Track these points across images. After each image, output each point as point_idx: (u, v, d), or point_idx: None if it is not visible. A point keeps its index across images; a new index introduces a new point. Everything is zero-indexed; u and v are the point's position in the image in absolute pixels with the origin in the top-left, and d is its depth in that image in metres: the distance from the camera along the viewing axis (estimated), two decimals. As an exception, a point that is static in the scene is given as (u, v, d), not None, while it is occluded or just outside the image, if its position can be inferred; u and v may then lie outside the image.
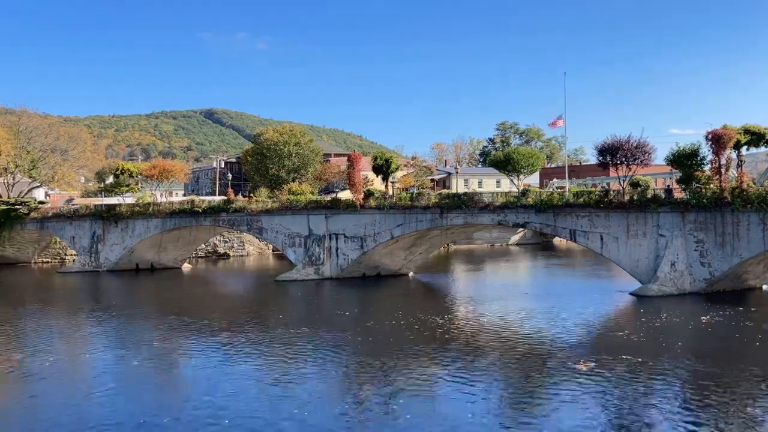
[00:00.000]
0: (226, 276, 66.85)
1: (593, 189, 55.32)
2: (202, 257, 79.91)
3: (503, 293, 48.23)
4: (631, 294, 41.71)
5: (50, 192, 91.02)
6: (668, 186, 50.80)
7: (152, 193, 72.72)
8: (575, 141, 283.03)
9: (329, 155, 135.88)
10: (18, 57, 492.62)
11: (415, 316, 36.89)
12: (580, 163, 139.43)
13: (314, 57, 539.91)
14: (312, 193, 73.39)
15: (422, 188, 79.11)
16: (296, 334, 32.03)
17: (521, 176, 63.62)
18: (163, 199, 73.45)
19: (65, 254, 75.12)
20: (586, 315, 36.98)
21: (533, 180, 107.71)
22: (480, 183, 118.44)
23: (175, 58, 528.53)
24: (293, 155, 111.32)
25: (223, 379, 23.84)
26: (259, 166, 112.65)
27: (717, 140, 40.09)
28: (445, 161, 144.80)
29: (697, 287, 40.46)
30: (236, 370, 25.23)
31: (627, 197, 43.16)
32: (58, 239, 72.32)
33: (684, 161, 44.65)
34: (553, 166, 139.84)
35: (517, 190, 53.26)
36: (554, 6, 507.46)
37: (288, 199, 59.34)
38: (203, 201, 64.18)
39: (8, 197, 73.56)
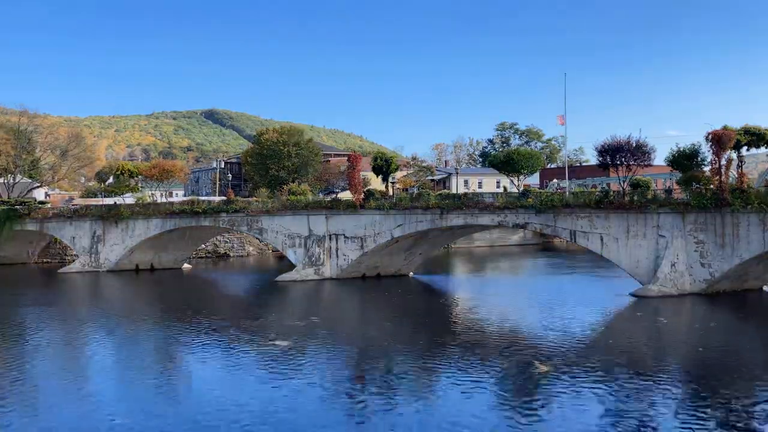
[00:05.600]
0: (227, 276, 66.85)
1: (593, 190, 55.36)
2: (202, 258, 79.86)
3: (503, 294, 48.25)
4: (631, 294, 41.70)
5: (50, 192, 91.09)
6: (668, 187, 50.82)
7: (152, 194, 72.75)
8: (575, 141, 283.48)
9: (329, 156, 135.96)
10: (18, 57, 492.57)
11: (415, 317, 36.93)
12: (580, 163, 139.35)
13: (314, 57, 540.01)
14: (312, 193, 73.40)
15: (422, 189, 79.10)
16: (297, 335, 32.02)
17: (521, 177, 63.73)
18: (164, 200, 73.43)
19: (65, 254, 75.06)
20: (585, 315, 36.98)
21: (533, 180, 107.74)
22: (480, 183, 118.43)
23: (175, 57, 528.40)
24: (293, 156, 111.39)
25: (223, 380, 23.85)
26: (260, 166, 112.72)
27: (717, 141, 40.07)
28: (445, 162, 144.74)
29: (697, 288, 40.46)
30: (236, 371, 25.23)
31: (627, 198, 43.17)
32: (59, 239, 72.29)
33: (684, 162, 44.72)
34: (553, 166, 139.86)
35: (517, 191, 53.29)
36: (554, 6, 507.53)
37: (288, 199, 59.34)
38: (203, 201, 64.17)
39: (8, 197, 73.56)
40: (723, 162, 40.48)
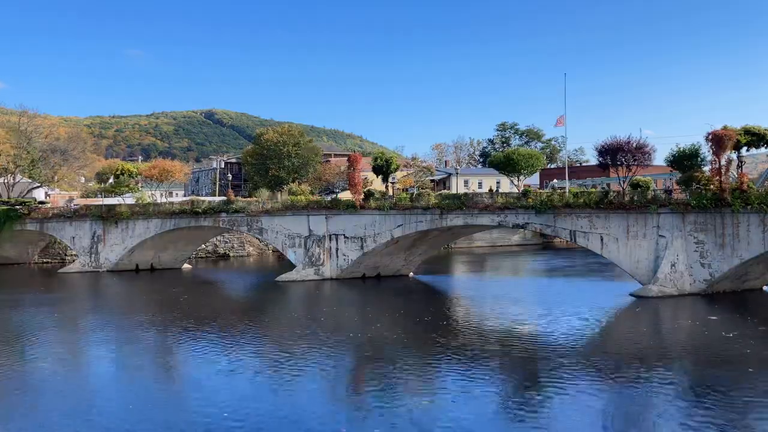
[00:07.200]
0: (227, 276, 66.87)
1: (593, 190, 55.35)
2: (202, 258, 79.92)
3: (503, 294, 48.22)
4: (631, 295, 41.70)
5: (50, 192, 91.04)
6: (668, 187, 50.82)
7: (152, 194, 72.74)
8: (575, 141, 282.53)
9: (329, 156, 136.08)
10: (18, 57, 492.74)
11: (415, 317, 36.91)
12: (580, 163, 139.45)
13: (314, 58, 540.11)
14: (312, 193, 73.39)
15: (422, 189, 79.09)
16: (296, 335, 32.03)
17: (521, 177, 63.72)
18: (164, 200, 73.47)
19: (65, 254, 75.12)
20: (585, 316, 36.95)
21: (533, 181, 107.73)
22: (480, 184, 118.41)
23: (175, 57, 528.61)
24: (293, 156, 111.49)
25: (223, 380, 23.85)
26: (260, 166, 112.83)
27: (717, 141, 40.07)
28: (445, 162, 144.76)
29: (697, 288, 40.47)
30: (236, 372, 25.22)
31: (627, 198, 43.18)
32: (59, 239, 72.33)
33: (684, 162, 44.72)
34: (553, 166, 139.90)
35: (517, 191, 53.28)
36: (554, 8, 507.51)
37: (288, 199, 59.34)
38: (203, 201, 64.18)
39: (8, 197, 73.58)
40: (723, 162, 40.50)
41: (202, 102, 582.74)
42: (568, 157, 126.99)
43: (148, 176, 79.28)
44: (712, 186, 40.60)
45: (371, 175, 67.06)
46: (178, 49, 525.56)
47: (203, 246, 78.39)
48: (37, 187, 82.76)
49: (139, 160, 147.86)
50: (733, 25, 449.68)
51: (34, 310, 42.37)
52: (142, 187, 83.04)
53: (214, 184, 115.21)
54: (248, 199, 69.34)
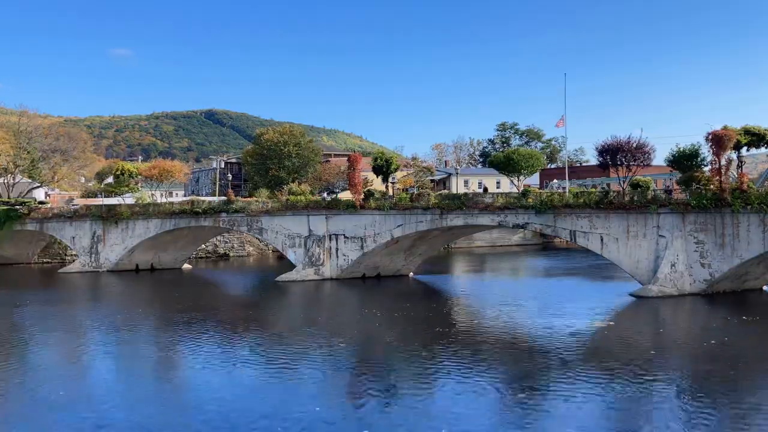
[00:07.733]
0: (227, 276, 66.85)
1: (593, 190, 55.31)
2: (202, 258, 79.88)
3: (503, 294, 48.21)
4: (631, 295, 41.69)
5: (50, 192, 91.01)
6: (668, 187, 50.82)
7: (152, 194, 72.72)
8: (575, 141, 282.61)
9: (329, 156, 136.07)
10: (18, 57, 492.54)
11: (415, 317, 36.90)
12: (580, 163, 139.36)
13: (314, 58, 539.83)
14: (312, 193, 73.31)
15: (422, 189, 78.99)
16: (296, 335, 32.04)
17: (521, 177, 63.68)
18: (164, 200, 73.45)
19: (65, 254, 75.08)
20: (585, 316, 36.92)
21: (533, 181, 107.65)
22: (480, 184, 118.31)
23: (175, 58, 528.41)
24: (293, 156, 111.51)
25: (223, 380, 23.84)
26: (260, 166, 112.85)
27: (717, 141, 40.06)
28: (445, 162, 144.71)
29: (697, 288, 40.46)
30: (236, 371, 25.22)
31: (627, 198, 43.16)
32: (59, 239, 72.29)
33: (684, 162, 44.72)
34: (553, 166, 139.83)
35: (517, 191, 53.28)
36: (554, 8, 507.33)
37: (288, 199, 59.31)
38: (203, 201, 64.16)
39: (8, 197, 73.55)
40: (723, 162, 40.47)
41: (202, 102, 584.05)
42: (568, 157, 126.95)
43: (148, 176, 79.19)
44: (712, 186, 40.59)
45: (371, 175, 67.03)
46: (173, 49, 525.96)
47: (203, 246, 78.37)
48: (37, 187, 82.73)
49: (139, 160, 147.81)
50: (733, 25, 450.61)
51: (34, 310, 42.35)
52: (142, 187, 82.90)
53: (214, 184, 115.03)
54: (248, 199, 69.24)
